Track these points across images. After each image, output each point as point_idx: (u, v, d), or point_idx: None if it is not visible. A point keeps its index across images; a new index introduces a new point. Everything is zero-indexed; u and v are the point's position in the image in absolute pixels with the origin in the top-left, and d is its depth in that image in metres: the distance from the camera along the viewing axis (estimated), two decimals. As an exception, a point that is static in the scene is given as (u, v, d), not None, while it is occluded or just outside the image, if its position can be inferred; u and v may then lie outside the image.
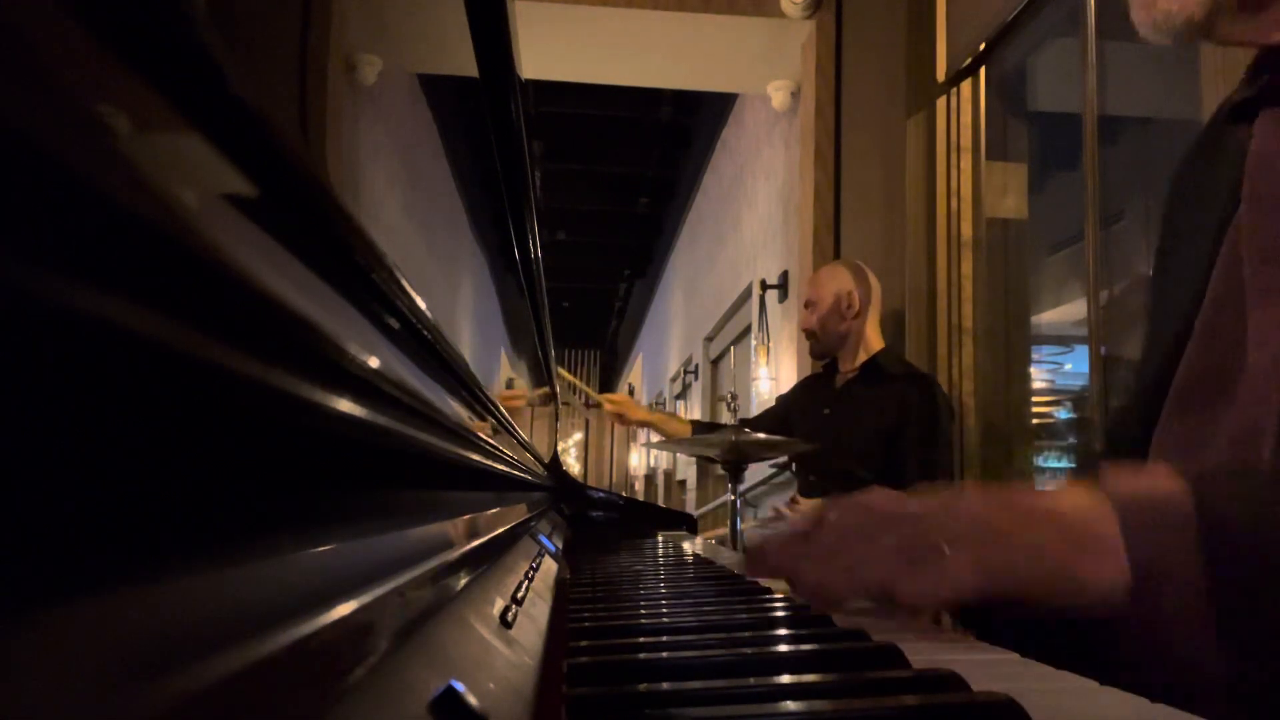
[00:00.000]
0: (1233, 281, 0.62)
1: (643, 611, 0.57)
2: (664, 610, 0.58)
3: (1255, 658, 0.43)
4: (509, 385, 0.93)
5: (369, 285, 0.25)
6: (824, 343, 2.40)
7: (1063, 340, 3.88)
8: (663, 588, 0.70)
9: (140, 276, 0.12)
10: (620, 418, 2.56)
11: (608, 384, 13.90)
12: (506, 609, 0.39)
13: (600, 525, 1.57)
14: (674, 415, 2.80)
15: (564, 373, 2.46)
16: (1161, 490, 0.46)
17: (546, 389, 1.53)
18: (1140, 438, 0.68)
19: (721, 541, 2.41)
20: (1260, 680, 0.43)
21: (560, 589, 0.64)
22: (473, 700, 0.23)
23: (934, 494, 0.52)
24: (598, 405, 2.66)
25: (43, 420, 0.11)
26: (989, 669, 0.43)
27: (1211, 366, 0.63)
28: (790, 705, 0.32)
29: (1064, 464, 2.93)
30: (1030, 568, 0.46)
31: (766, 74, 3.93)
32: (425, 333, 0.33)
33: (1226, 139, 0.67)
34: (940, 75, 2.85)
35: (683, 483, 7.70)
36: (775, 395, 3.31)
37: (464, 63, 0.64)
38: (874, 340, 2.39)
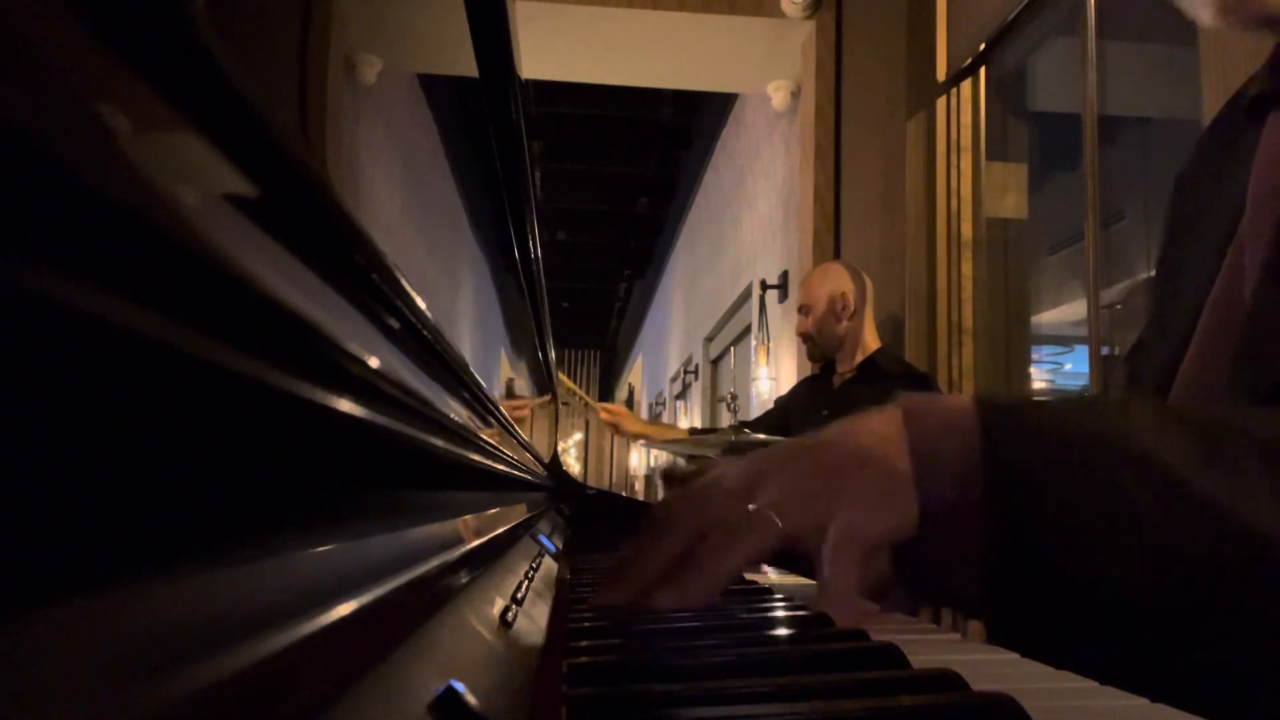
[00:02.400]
0: (1234, 293, 0.61)
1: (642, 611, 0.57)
2: (664, 610, 0.58)
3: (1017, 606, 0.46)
4: (509, 386, 0.93)
5: (369, 285, 0.25)
6: (821, 346, 2.40)
7: (1063, 340, 3.89)
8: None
9: (140, 276, 0.12)
10: (616, 429, 2.55)
11: (608, 384, 13.89)
12: (506, 609, 0.39)
13: (600, 525, 1.58)
14: (671, 426, 2.80)
15: (564, 378, 2.46)
16: (954, 425, 0.48)
17: (548, 396, 1.53)
18: None
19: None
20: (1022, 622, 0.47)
21: (560, 589, 0.64)
22: (473, 700, 0.23)
23: (749, 457, 0.53)
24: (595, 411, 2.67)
25: (43, 420, 0.11)
26: (989, 669, 0.43)
27: (1210, 379, 0.62)
28: (790, 705, 0.32)
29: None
30: (886, 521, 0.48)
31: (766, 74, 3.93)
32: (425, 333, 0.33)
33: (1239, 137, 0.65)
34: (940, 75, 2.86)
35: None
36: (775, 395, 3.31)
37: (464, 63, 0.64)
38: (871, 340, 2.39)
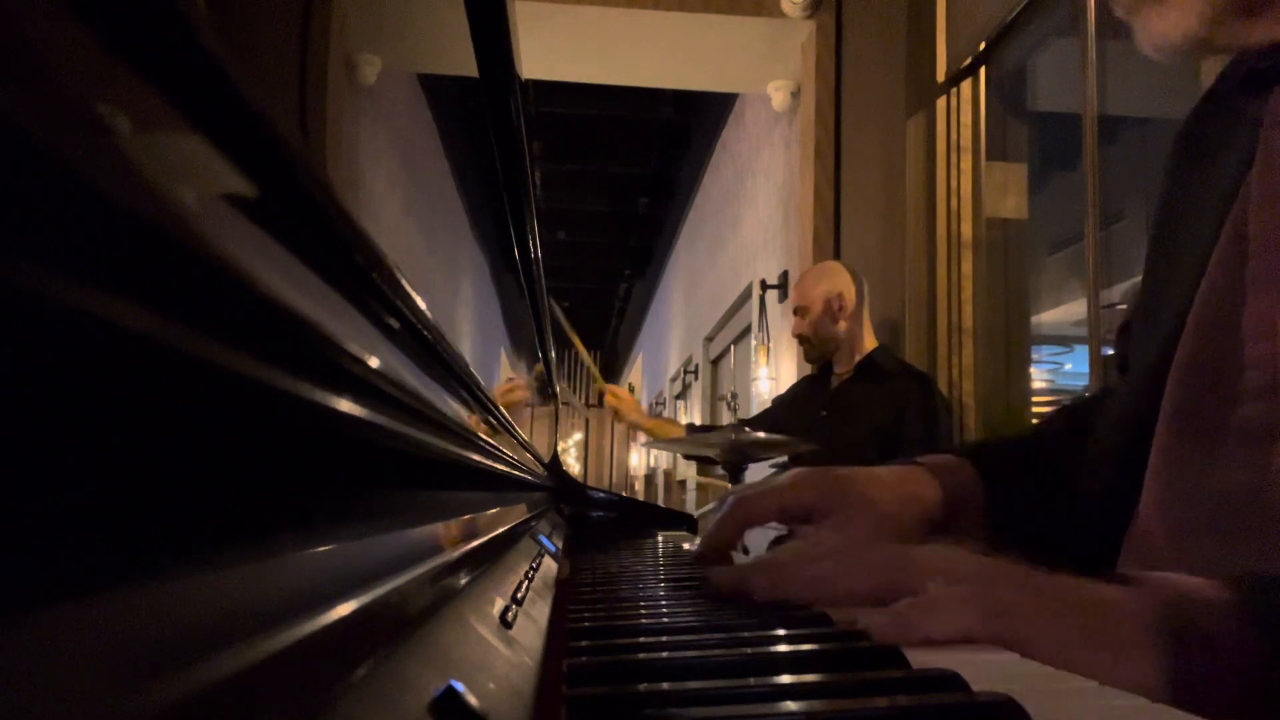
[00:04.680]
0: (1233, 271, 0.60)
1: (643, 611, 0.57)
2: (664, 610, 0.58)
3: None
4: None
5: (369, 285, 0.25)
6: (819, 347, 2.39)
7: (1063, 340, 3.89)
8: (663, 588, 0.70)
9: (139, 276, 0.12)
10: (616, 414, 2.55)
11: (608, 384, 13.87)
12: (506, 609, 0.39)
13: (600, 525, 1.57)
14: (671, 421, 2.80)
15: (573, 335, 2.45)
16: (1204, 593, 0.43)
17: (540, 366, 1.52)
18: (1138, 432, 0.67)
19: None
20: None
21: (560, 589, 0.64)
22: (473, 700, 0.23)
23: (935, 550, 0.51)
24: (601, 393, 2.66)
25: (43, 420, 0.11)
26: (989, 669, 0.43)
27: (1210, 360, 0.61)
28: (790, 705, 0.32)
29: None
30: (1039, 633, 0.43)
31: (766, 74, 3.93)
32: (425, 333, 0.33)
33: (1238, 107, 0.65)
34: (940, 75, 2.86)
35: (683, 483, 7.70)
36: (774, 395, 3.31)
37: (464, 63, 0.64)
38: (868, 339, 2.38)
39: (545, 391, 1.59)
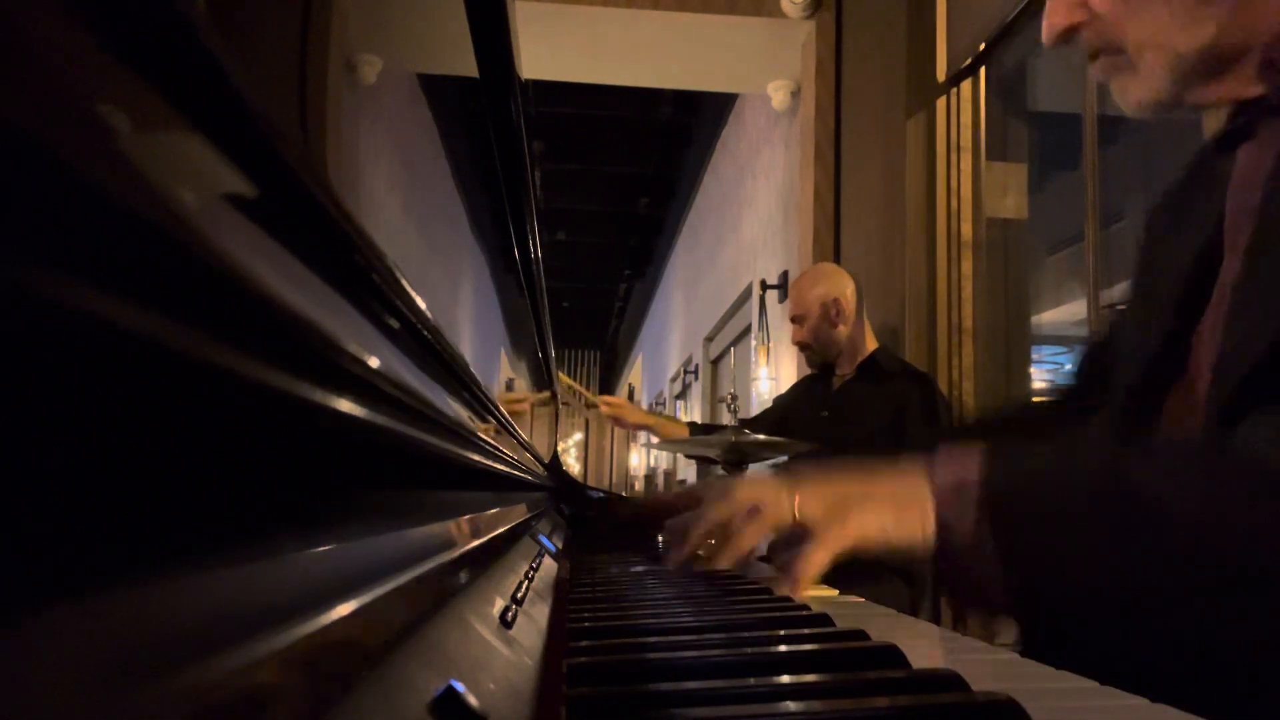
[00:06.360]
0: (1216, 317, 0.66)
1: (643, 611, 0.57)
2: (664, 610, 0.58)
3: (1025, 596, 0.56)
4: (509, 386, 0.93)
5: (369, 285, 0.26)
6: (820, 352, 2.38)
7: (1063, 340, 3.89)
8: (663, 588, 0.70)
9: (140, 276, 0.12)
10: (618, 420, 2.54)
11: (608, 384, 13.89)
12: (506, 609, 0.39)
13: (600, 525, 1.57)
14: (672, 418, 2.79)
15: (563, 377, 2.44)
16: (964, 471, 0.61)
17: (548, 393, 1.53)
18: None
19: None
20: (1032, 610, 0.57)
21: (560, 589, 0.64)
22: (473, 700, 0.23)
23: (797, 474, 0.68)
24: (594, 406, 2.65)
25: (43, 420, 0.11)
26: (989, 669, 0.43)
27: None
28: (790, 705, 0.32)
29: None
30: (887, 529, 0.62)
31: (766, 74, 3.93)
32: (425, 333, 0.33)
33: (1212, 169, 0.72)
34: (940, 75, 2.85)
35: (683, 482, 7.70)
36: (775, 395, 3.31)
37: (464, 63, 0.64)
38: (869, 340, 2.38)
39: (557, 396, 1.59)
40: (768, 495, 0.67)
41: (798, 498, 0.64)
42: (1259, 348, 0.57)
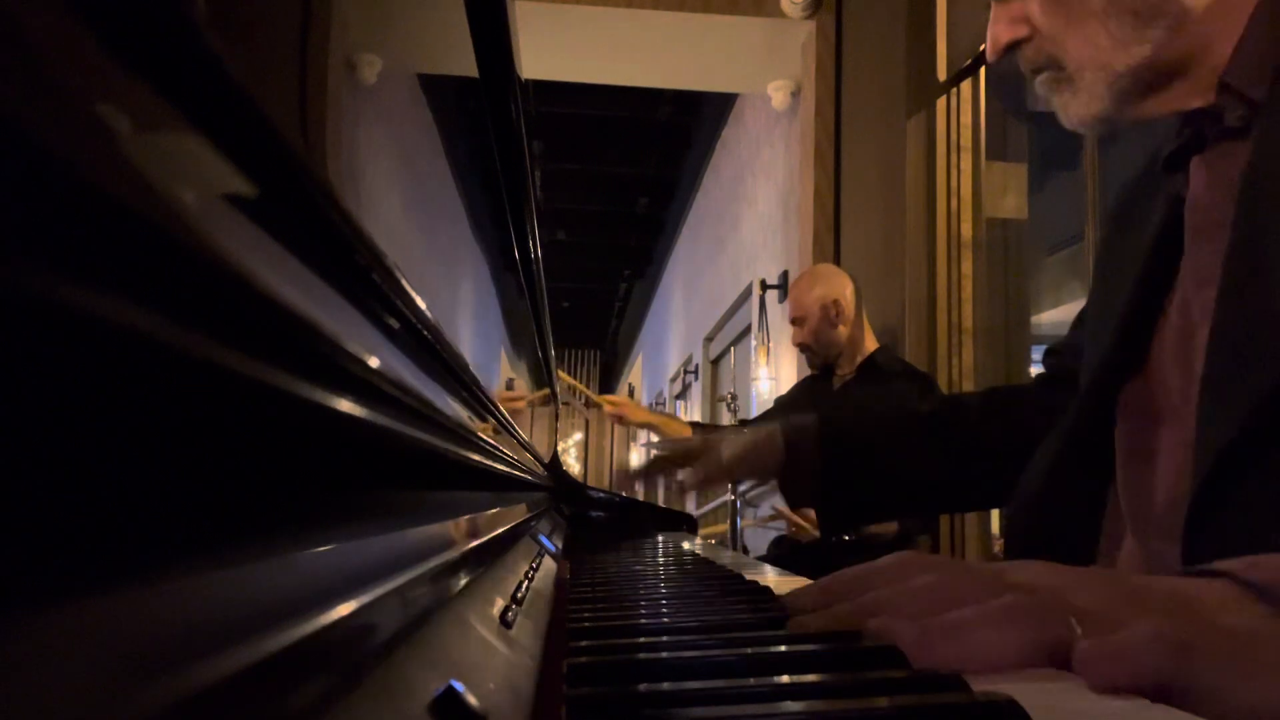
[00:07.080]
0: (1185, 363, 0.67)
1: (643, 611, 0.57)
2: (664, 610, 0.58)
3: None
4: (509, 386, 0.93)
5: (369, 285, 0.26)
6: (820, 354, 2.38)
7: (1063, 340, 3.87)
8: (663, 588, 0.70)
9: (140, 276, 0.12)
10: (620, 419, 2.54)
11: (608, 384, 13.89)
12: (506, 609, 0.39)
13: (600, 525, 1.57)
14: (674, 418, 2.79)
15: (563, 375, 2.44)
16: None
17: (547, 390, 1.53)
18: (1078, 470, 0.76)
19: (721, 541, 2.41)
20: None
21: (560, 589, 0.64)
22: (473, 700, 0.23)
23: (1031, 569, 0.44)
24: (597, 406, 2.65)
25: (43, 420, 0.11)
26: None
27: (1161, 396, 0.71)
28: (790, 705, 0.32)
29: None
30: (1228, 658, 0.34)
31: (766, 74, 3.92)
32: (425, 333, 0.33)
33: (1159, 180, 0.74)
34: (940, 75, 2.85)
35: (683, 482, 7.68)
36: (775, 395, 3.31)
37: (464, 63, 0.64)
38: (869, 340, 2.38)
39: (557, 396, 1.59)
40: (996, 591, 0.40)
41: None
42: (1259, 388, 0.56)
